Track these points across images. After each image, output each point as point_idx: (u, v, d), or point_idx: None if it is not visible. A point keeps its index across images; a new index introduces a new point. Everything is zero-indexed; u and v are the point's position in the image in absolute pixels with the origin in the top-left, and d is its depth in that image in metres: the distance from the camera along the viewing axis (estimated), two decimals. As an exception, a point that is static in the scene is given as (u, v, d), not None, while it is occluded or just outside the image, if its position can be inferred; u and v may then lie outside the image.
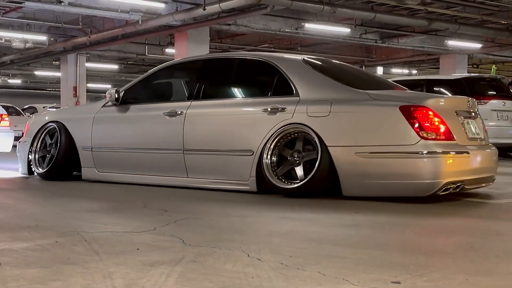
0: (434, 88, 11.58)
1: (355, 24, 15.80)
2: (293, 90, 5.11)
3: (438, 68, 21.15)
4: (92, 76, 28.26)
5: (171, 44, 17.37)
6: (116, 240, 3.09)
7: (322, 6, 12.15)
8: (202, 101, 5.62)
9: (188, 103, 5.66)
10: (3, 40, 17.85)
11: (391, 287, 2.28)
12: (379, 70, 25.40)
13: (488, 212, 4.52)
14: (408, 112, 4.53)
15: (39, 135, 6.53)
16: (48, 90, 36.81)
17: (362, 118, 4.74)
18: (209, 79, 5.85)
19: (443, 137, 4.58)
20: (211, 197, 5.08)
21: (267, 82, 5.47)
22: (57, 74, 25.06)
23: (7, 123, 8.63)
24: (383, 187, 4.65)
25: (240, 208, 4.46)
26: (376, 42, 18.24)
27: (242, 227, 3.61)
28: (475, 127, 5.04)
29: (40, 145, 6.52)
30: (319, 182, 4.78)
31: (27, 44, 18.10)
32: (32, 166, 6.53)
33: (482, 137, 5.13)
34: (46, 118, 6.67)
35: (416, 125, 4.50)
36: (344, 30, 16.05)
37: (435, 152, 4.49)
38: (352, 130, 4.74)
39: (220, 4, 12.08)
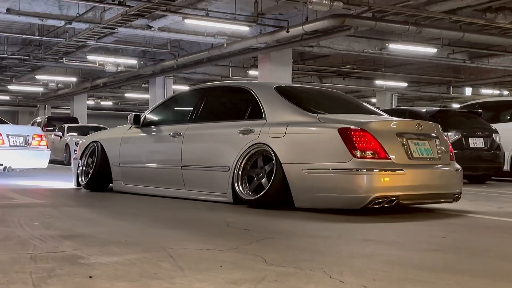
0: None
1: (442, 43, 15.42)
2: (262, 114, 5.87)
3: (532, 88, 20.18)
4: (179, 98, 29.19)
5: (254, 66, 17.68)
6: (200, 257, 3.16)
7: (408, 26, 11.96)
8: (196, 123, 6.50)
9: (187, 125, 6.54)
10: (97, 64, 18.88)
11: (480, 316, 2.19)
12: (468, 91, 24.56)
13: None
14: (345, 134, 5.12)
15: (86, 152, 7.65)
16: (138, 112, 38.34)
17: (308, 139, 5.40)
18: (203, 105, 6.64)
19: (376, 156, 5.08)
20: (290, 216, 5.09)
21: (245, 107, 6.23)
22: (146, 96, 26.12)
23: (44, 143, 10.73)
24: (325, 200, 5.23)
25: (321, 228, 4.44)
26: (464, 62, 17.69)
27: (323, 248, 3.59)
28: (426, 148, 5.46)
29: (86, 161, 7.63)
30: (275, 194, 5.44)
31: (119, 68, 19.04)
32: (79, 179, 7.66)
33: (435, 157, 5.51)
34: (91, 138, 7.82)
35: (350, 145, 5.06)
36: (430, 50, 15.69)
37: (365, 170, 5.01)
38: (300, 149, 5.37)
39: (304, 26, 12.19)
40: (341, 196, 5.11)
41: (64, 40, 15.47)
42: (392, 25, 12.01)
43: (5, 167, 9.98)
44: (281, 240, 3.89)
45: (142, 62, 19.45)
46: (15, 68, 22.04)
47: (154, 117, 7.21)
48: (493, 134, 10.18)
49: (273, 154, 5.46)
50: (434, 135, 5.63)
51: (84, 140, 7.99)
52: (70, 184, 8.25)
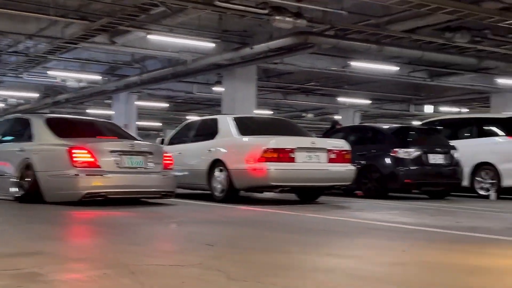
0: (485, 127, 11.38)
1: (403, 62, 15.74)
2: (32, 138, 8.22)
3: (489, 106, 20.73)
4: (143, 114, 28.97)
5: (219, 82, 17.70)
6: (162, 273, 3.13)
7: (369, 45, 12.18)
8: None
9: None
10: (59, 80, 18.59)
11: (439, 327, 2.23)
12: (428, 109, 25.09)
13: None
14: (70, 151, 7.33)
15: None
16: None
17: (52, 155, 7.63)
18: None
19: (89, 166, 7.32)
20: (253, 231, 5.09)
21: (24, 131, 8.39)
22: (109, 112, 25.85)
23: None
24: (61, 195, 7.39)
25: (283, 243, 4.45)
26: (424, 80, 18.08)
27: (286, 263, 3.60)
28: (136, 161, 7.69)
29: None
30: (33, 193, 7.57)
31: (81, 83, 18.78)
32: None
33: (145, 166, 7.76)
34: None
35: (72, 158, 7.28)
36: (392, 68, 16.01)
37: (78, 175, 7.23)
38: (48, 161, 7.64)
39: (268, 43, 12.28)
40: (68, 192, 7.29)
41: (25, 55, 15.21)
42: (354, 43, 12.21)
43: None
44: (245, 255, 3.88)
45: (105, 78, 19.25)
46: (-27, 83, 21.52)
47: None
48: (452, 151, 10.41)
49: (33, 165, 7.61)
50: (148, 151, 7.89)
51: None
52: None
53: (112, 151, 7.52)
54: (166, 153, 8.26)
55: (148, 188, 7.78)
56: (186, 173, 9.22)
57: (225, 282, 2.94)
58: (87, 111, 29.55)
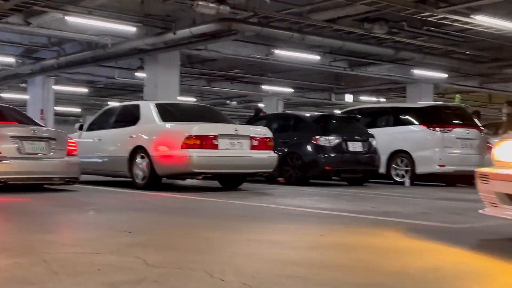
0: (401, 116, 11.83)
1: (324, 51, 16.03)
2: None
3: (405, 96, 21.55)
4: (61, 99, 27.94)
5: (141, 68, 17.34)
6: (77, 261, 3.04)
7: (292, 33, 12.31)
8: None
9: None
10: (-31, 62, 17.57)
11: (352, 307, 2.30)
12: (348, 98, 25.75)
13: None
14: None
15: None
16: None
17: None
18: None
19: None
20: (173, 219, 5.05)
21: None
22: (25, 96, 24.76)
23: None
24: None
25: (204, 229, 4.44)
26: (345, 69, 18.51)
27: (206, 248, 3.59)
28: (37, 147, 7.63)
29: None
30: None
31: (-6, 66, 17.85)
32: None
33: (48, 153, 7.70)
34: None
35: None
36: (314, 57, 16.27)
37: None
38: None
39: (191, 29, 12.14)
40: None
41: None
42: (277, 31, 12.30)
43: None
44: (164, 241, 3.84)
45: (20, 61, 18.38)
46: None
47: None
48: (370, 139, 10.75)
49: None
50: (50, 137, 7.83)
51: None
52: None
53: (12, 137, 7.43)
54: (71, 139, 8.23)
55: (51, 174, 7.73)
56: (106, 159, 9.00)
57: (143, 268, 2.89)
58: (1, 95, 28.16)
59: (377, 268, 3.11)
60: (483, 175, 4.09)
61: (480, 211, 4.19)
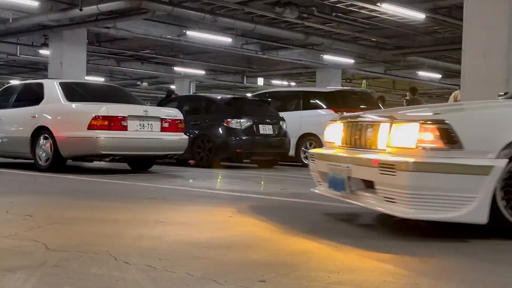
0: (310, 100, 12.09)
1: (236, 34, 16.05)
2: None
3: (315, 81, 22.05)
4: (-43, 76, 26.19)
5: (45, 45, 16.56)
6: (-30, 247, 2.86)
7: (204, 14, 12.21)
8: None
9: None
10: None
11: (258, 286, 2.32)
12: (260, 81, 25.99)
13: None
14: None
15: None
16: None
17: None
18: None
19: None
20: (78, 202, 4.89)
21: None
22: None
23: None
24: None
25: (110, 212, 4.32)
26: (256, 53, 18.63)
27: (112, 231, 3.50)
28: None
29: None
30: None
31: None
32: None
33: None
34: None
35: None
36: (226, 40, 16.24)
37: None
38: None
39: (98, 6, 11.73)
40: None
41: None
42: (189, 11, 12.16)
43: None
44: (67, 225, 3.70)
45: None
46: None
47: None
48: (281, 122, 10.91)
49: None
50: None
51: None
52: None
53: None
54: None
55: None
56: (5, 140, 8.55)
57: (43, 252, 2.77)
58: None
59: (282, 248, 3.16)
60: (311, 155, 4.47)
61: (311, 189, 4.51)
